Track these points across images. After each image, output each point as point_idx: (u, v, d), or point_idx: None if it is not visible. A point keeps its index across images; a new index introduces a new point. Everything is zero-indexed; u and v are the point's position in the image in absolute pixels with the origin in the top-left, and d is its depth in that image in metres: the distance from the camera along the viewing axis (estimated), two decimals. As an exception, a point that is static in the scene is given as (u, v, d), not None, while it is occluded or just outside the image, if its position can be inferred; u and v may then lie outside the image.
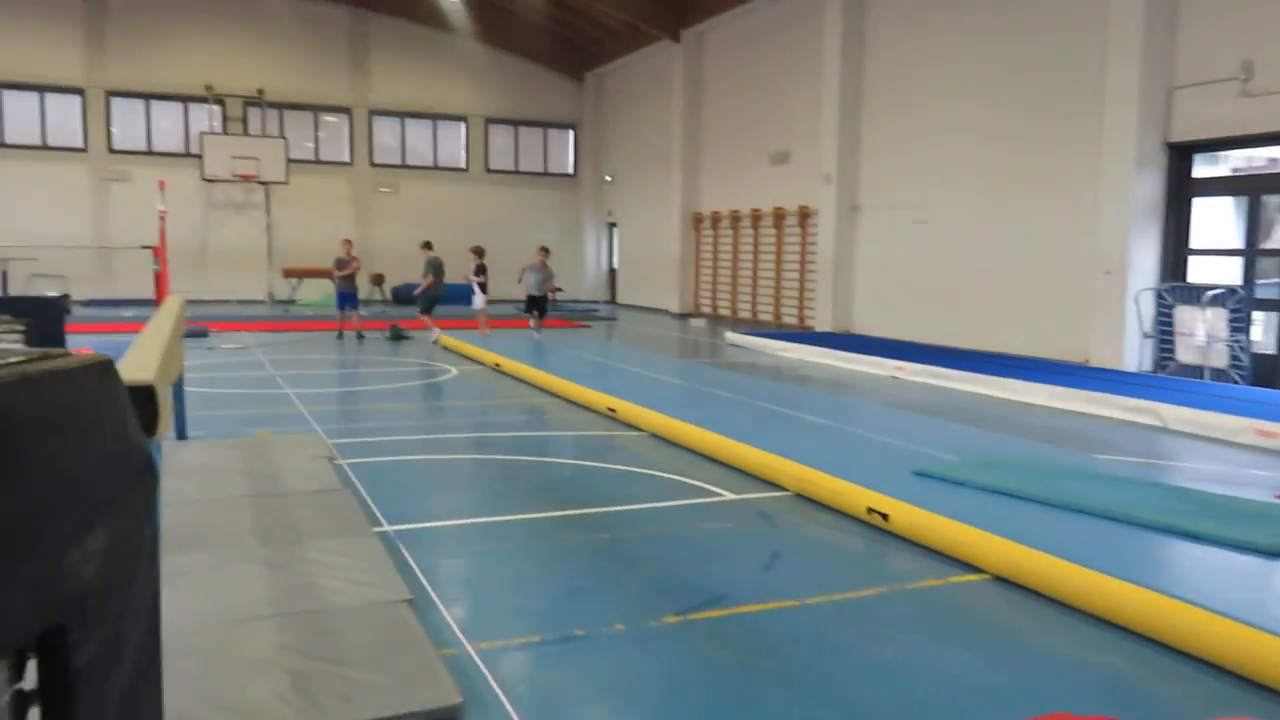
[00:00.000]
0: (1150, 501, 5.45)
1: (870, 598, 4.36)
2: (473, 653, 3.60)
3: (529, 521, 5.46)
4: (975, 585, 4.52)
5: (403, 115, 25.99)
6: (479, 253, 15.79)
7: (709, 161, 22.40)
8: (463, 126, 26.68)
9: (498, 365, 12.07)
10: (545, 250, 15.34)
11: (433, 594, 4.20)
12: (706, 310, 22.52)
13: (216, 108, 23.97)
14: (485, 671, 3.45)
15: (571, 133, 28.03)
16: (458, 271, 16.04)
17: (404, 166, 26.23)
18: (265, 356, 13.01)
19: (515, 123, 27.20)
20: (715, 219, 22.07)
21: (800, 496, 5.99)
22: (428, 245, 16.25)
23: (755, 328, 18.73)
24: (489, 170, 27.03)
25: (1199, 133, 11.59)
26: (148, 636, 1.68)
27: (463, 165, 26.85)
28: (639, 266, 25.70)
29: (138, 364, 3.31)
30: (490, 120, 26.83)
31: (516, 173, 27.42)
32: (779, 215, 19.64)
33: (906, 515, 5.12)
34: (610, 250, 27.82)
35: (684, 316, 22.31)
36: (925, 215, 15.61)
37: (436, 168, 26.60)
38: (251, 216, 24.46)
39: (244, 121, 24.28)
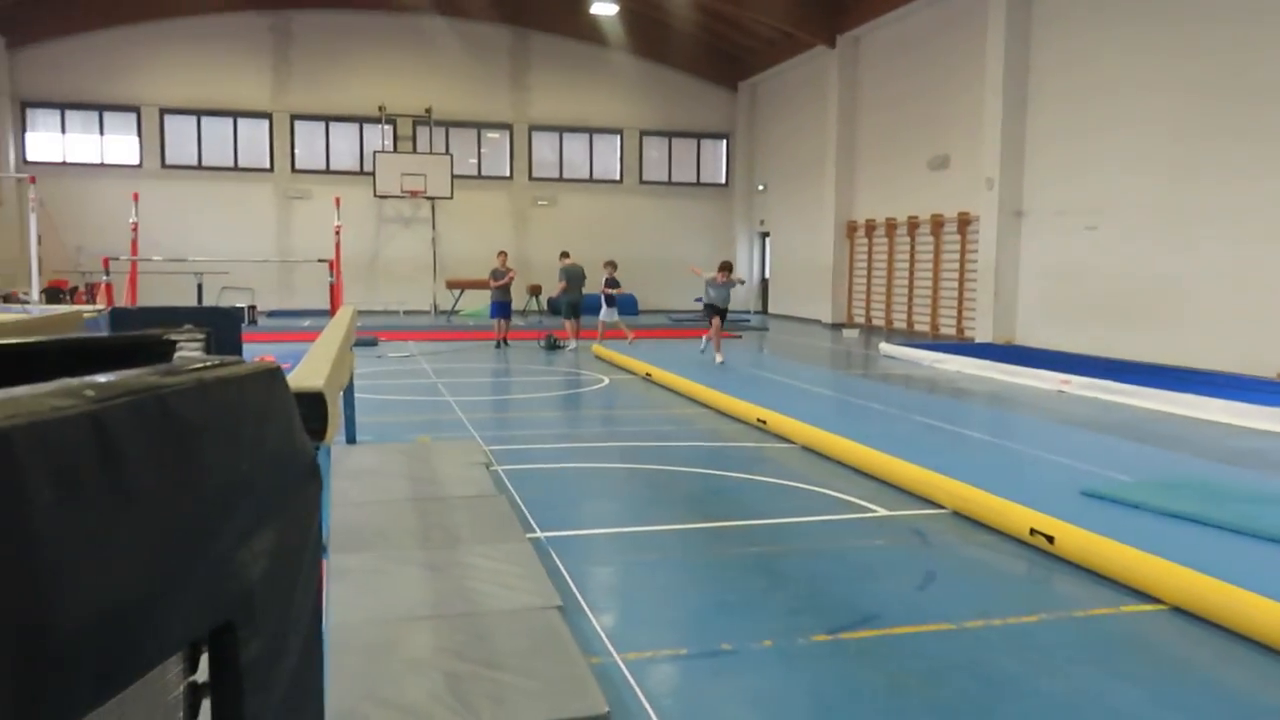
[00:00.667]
0: (1355, 532, 4.97)
1: (1033, 624, 4.14)
2: (620, 662, 3.63)
3: (677, 532, 5.48)
4: (1150, 615, 4.23)
5: (560, 129, 26.66)
6: (612, 266, 16.02)
7: (864, 168, 21.95)
8: (618, 139, 27.13)
9: (649, 375, 12.18)
10: (727, 266, 15.06)
11: (582, 601, 4.26)
12: (860, 321, 22.04)
13: (388, 127, 25.25)
14: (632, 682, 3.47)
15: (724, 142, 28.06)
16: (601, 283, 16.24)
17: (561, 180, 26.89)
18: (428, 365, 13.57)
19: (669, 134, 27.45)
20: (870, 227, 21.60)
21: (957, 515, 5.76)
22: (565, 254, 16.65)
23: (910, 339, 18.19)
24: (643, 181, 27.38)
25: None
26: (310, 634, 1.77)
27: (617, 177, 27.30)
28: (791, 276, 25.42)
29: (310, 371, 3.50)
30: (644, 132, 27.18)
31: (670, 183, 27.66)
32: (937, 222, 19.04)
33: (1074, 538, 4.85)
34: (763, 259, 27.66)
35: (837, 327, 21.91)
36: (1096, 220, 14.79)
37: (592, 180, 27.15)
38: (418, 230, 25.62)
39: (413, 139, 25.48)
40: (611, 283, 16.05)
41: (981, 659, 3.75)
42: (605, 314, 16.08)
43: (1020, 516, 5.25)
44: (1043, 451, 7.43)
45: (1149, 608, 4.30)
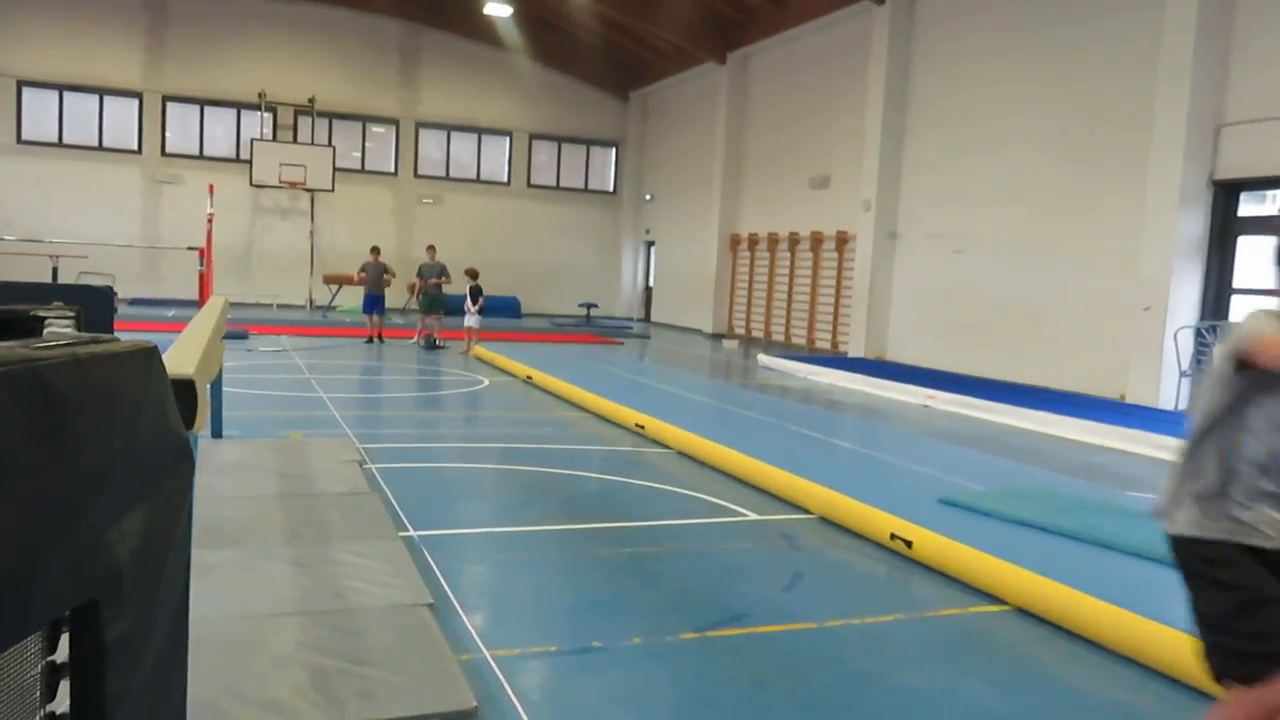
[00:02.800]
0: (1179, 540, 5.38)
1: (890, 623, 4.35)
2: (490, 659, 3.64)
3: (552, 533, 5.51)
4: (997, 616, 4.50)
5: (449, 128, 26.34)
6: (473, 274, 15.94)
7: (749, 183, 22.46)
8: (507, 141, 26.98)
9: (530, 378, 12.17)
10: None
11: (454, 599, 4.25)
12: (740, 332, 22.52)
13: (268, 115, 24.45)
14: (501, 678, 3.49)
15: (614, 150, 28.25)
16: (484, 283, 16.08)
17: (447, 179, 26.56)
18: (302, 360, 13.21)
19: (559, 139, 27.47)
20: (753, 241, 22.10)
21: (824, 520, 5.99)
22: (430, 249, 16.53)
23: (788, 351, 18.70)
24: (531, 185, 27.31)
25: (1246, 170, 11.46)
26: (176, 619, 1.74)
27: (505, 179, 27.14)
28: (675, 285, 25.78)
29: (180, 358, 3.40)
30: (534, 135, 27.12)
31: (558, 188, 27.67)
32: (816, 239, 19.64)
33: (930, 543, 5.10)
34: (647, 268, 27.95)
35: (717, 337, 22.32)
36: (964, 245, 15.54)
37: (479, 181, 26.91)
38: (296, 223, 24.89)
39: (294, 129, 24.74)
40: (475, 290, 15.96)
41: (841, 656, 3.92)
42: (469, 319, 16.00)
43: (882, 522, 5.49)
44: (906, 461, 7.77)
45: (995, 608, 4.56)
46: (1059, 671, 3.96)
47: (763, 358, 16.61)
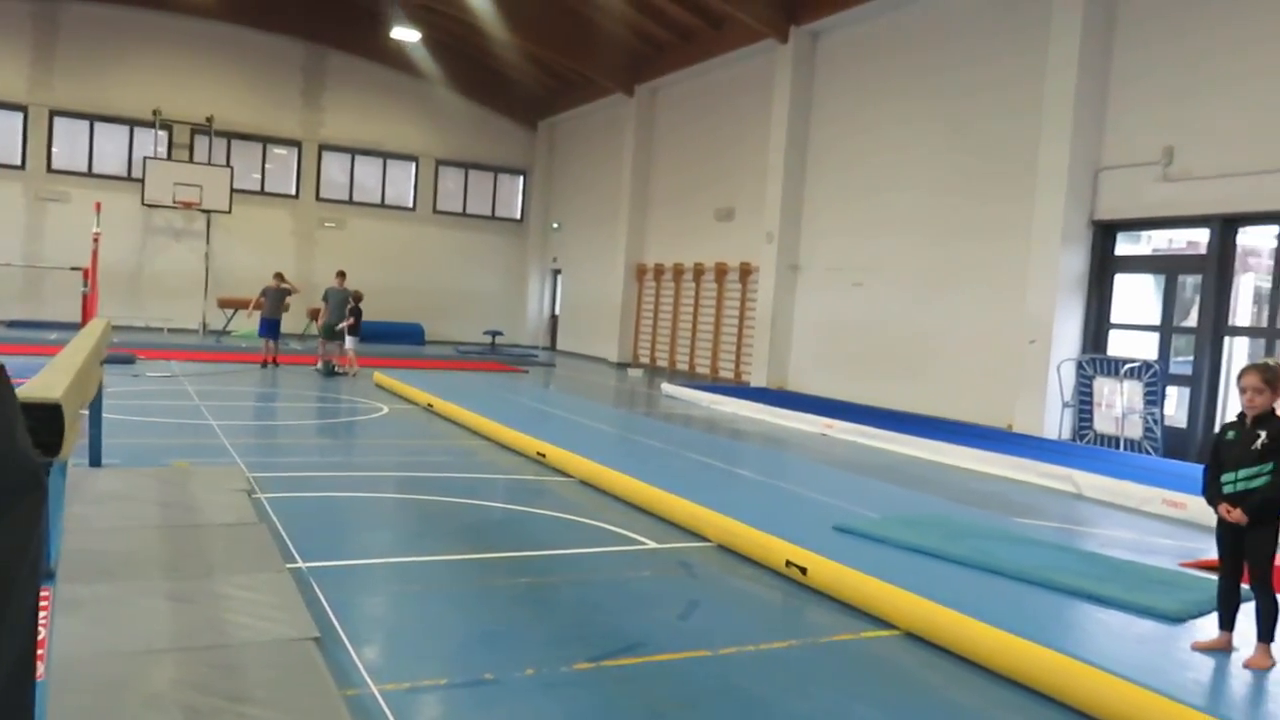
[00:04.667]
0: (1062, 565, 5.58)
1: (784, 650, 4.38)
2: (377, 693, 3.53)
3: (448, 563, 5.40)
4: (887, 641, 4.57)
5: (353, 151, 25.95)
6: (356, 297, 15.77)
7: (655, 214, 22.68)
8: (413, 166, 26.70)
9: (430, 406, 11.98)
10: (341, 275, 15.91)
11: (342, 633, 4.12)
12: (645, 361, 22.63)
13: (163, 133, 23.69)
14: (388, 713, 3.38)
15: (521, 179, 28.22)
16: (388, 309, 15.88)
17: (351, 203, 26.12)
18: (192, 386, 12.74)
19: (466, 165, 27.31)
20: (659, 271, 22.29)
21: (723, 548, 6.02)
22: (340, 275, 16.11)
23: (692, 380, 18.86)
24: (437, 211, 27.04)
25: (1122, 212, 12.08)
26: (20, 661, 1.64)
27: (410, 204, 26.82)
28: (581, 314, 25.79)
29: (47, 382, 3.23)
30: (441, 161, 26.91)
31: (464, 215, 27.47)
32: (721, 271, 19.91)
33: (824, 570, 5.17)
34: (554, 297, 27.91)
35: (622, 366, 22.38)
36: (862, 278, 15.96)
37: (384, 205, 26.54)
38: (191, 244, 24.10)
39: (190, 148, 24.02)
40: (355, 312, 15.74)
41: (736, 683, 3.92)
42: (350, 342, 15.76)
43: (779, 549, 5.55)
44: (804, 489, 7.89)
45: (887, 633, 4.64)
46: (946, 694, 4.04)
47: (667, 387, 16.71)
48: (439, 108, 26.36)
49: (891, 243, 15.38)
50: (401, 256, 26.16)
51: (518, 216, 28.33)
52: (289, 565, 4.95)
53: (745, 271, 19.05)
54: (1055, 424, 12.32)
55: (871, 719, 3.70)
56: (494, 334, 24.96)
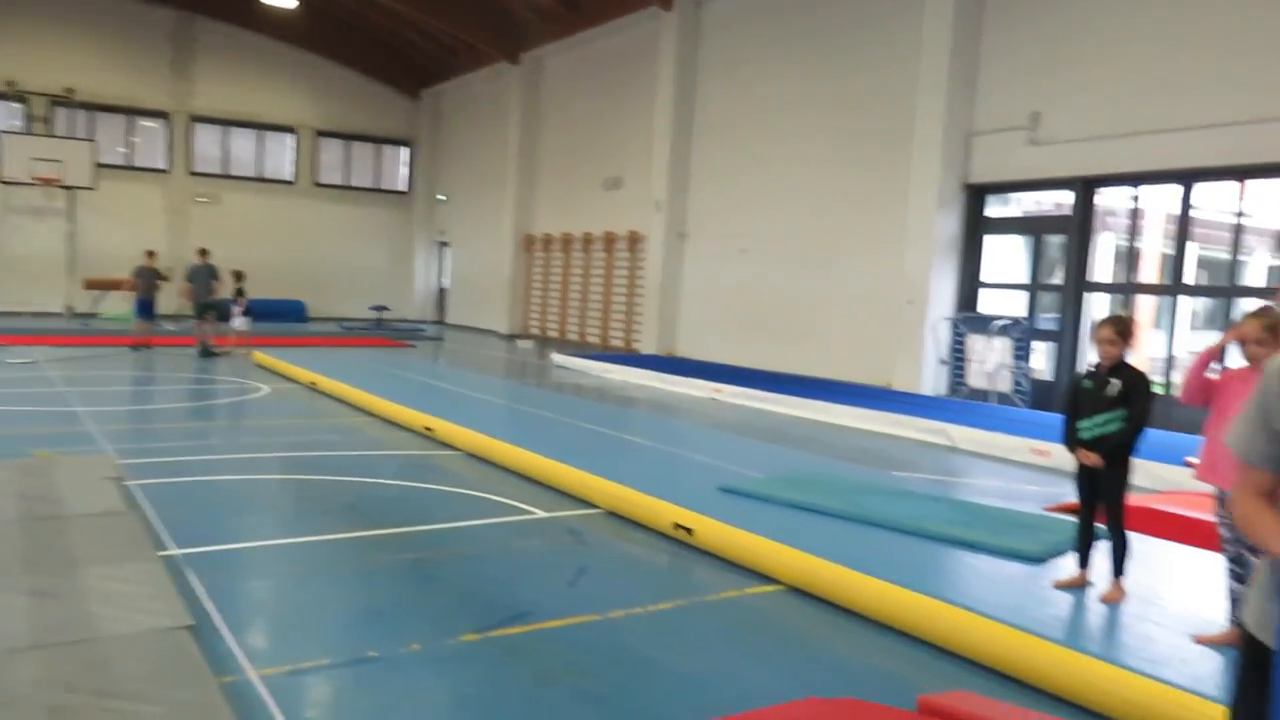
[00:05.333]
0: (935, 514, 5.82)
1: (671, 610, 4.45)
2: (256, 679, 3.45)
3: (332, 542, 5.30)
4: (772, 596, 4.69)
5: (227, 123, 24.89)
6: (238, 276, 15.34)
7: (543, 184, 22.49)
8: (291, 138, 25.77)
9: (314, 384, 11.67)
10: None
11: (218, 620, 4.00)
12: (535, 332, 22.52)
13: (19, 105, 22.26)
14: (268, 698, 3.31)
15: (406, 150, 27.56)
16: (268, 286, 15.38)
17: (226, 176, 25.08)
18: (56, 372, 12.10)
19: (347, 136, 26.51)
20: (547, 241, 22.15)
21: (612, 514, 6.06)
22: (203, 252, 15.43)
23: (582, 350, 18.86)
24: (318, 184, 26.21)
25: (992, 176, 12.55)
26: None
27: (290, 178, 25.91)
28: (469, 287, 25.46)
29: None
30: (320, 133, 26.05)
31: (347, 188, 26.70)
32: (610, 240, 19.91)
33: (710, 530, 5.27)
34: (440, 270, 27.45)
35: (512, 338, 22.23)
36: (748, 245, 16.19)
37: (261, 179, 25.57)
38: (52, 223, 22.77)
39: (49, 121, 22.63)
40: (239, 292, 15.30)
41: (624, 645, 3.97)
42: (241, 322, 15.29)
43: (666, 512, 5.62)
44: (692, 453, 8.00)
45: (771, 589, 4.76)
46: (828, 644, 4.18)
47: (557, 357, 16.67)
48: (317, 77, 25.48)
49: (776, 210, 15.62)
50: (281, 232, 25.30)
51: (403, 189, 27.70)
52: (162, 553, 4.77)
53: (634, 240, 19.09)
54: (931, 381, 12.79)
55: (756, 672, 3.80)
56: (380, 309, 24.44)
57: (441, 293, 27.38)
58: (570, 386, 13.42)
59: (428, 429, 8.62)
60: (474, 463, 7.62)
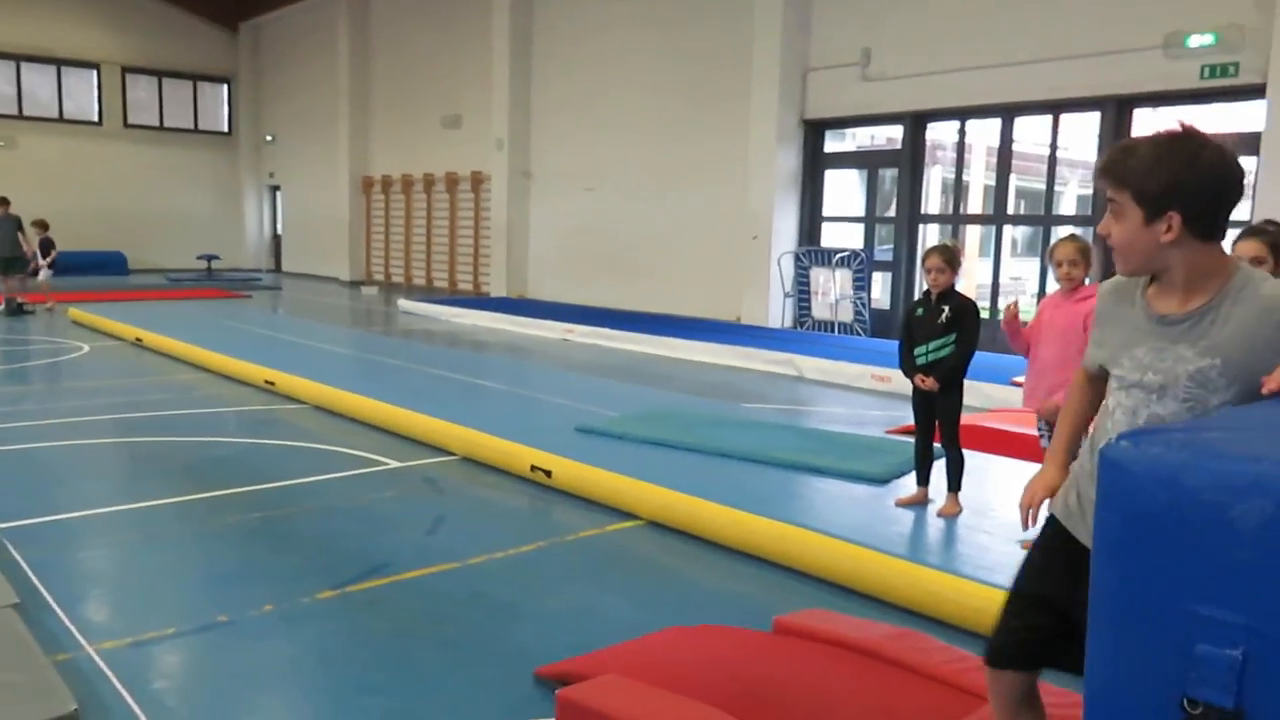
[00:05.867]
0: (784, 443, 6.01)
1: (533, 552, 4.45)
2: (94, 654, 3.25)
3: (171, 506, 5.02)
4: (632, 532, 4.76)
5: (18, 58, 22.69)
6: (43, 225, 14.30)
7: (378, 123, 21.63)
8: (94, 74, 23.77)
9: (139, 340, 10.97)
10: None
11: (47, 595, 3.74)
12: (379, 278, 21.85)
13: None
14: (108, 672, 3.12)
15: (226, 87, 25.90)
16: (80, 237, 14.23)
17: (21, 118, 22.95)
18: None
19: (159, 73, 24.66)
20: (386, 183, 21.40)
21: (468, 460, 5.99)
22: (4, 201, 14.10)
23: (430, 295, 18.44)
24: (128, 125, 24.35)
25: (828, 111, 12.85)
26: None
27: (95, 118, 23.96)
28: (306, 232, 24.38)
29: None
30: (129, 69, 24.13)
31: (162, 129, 24.92)
32: (452, 180, 19.41)
33: (568, 470, 5.28)
34: (274, 215, 26.16)
35: (355, 284, 21.50)
36: (594, 183, 16.10)
37: (63, 120, 23.54)
38: None
39: None
40: (47, 243, 14.25)
41: (486, 591, 3.95)
42: (44, 275, 14.26)
43: (523, 455, 5.59)
44: (547, 395, 7.98)
45: (630, 524, 4.83)
46: (688, 574, 4.27)
47: (404, 303, 16.24)
48: (120, 7, 23.50)
49: (621, 148, 15.56)
50: (91, 177, 23.45)
51: (225, 129, 26.07)
52: (-24, 529, 4.41)
53: (477, 180, 18.68)
54: (778, 314, 13.16)
55: (619, 607, 3.85)
56: (209, 258, 23.13)
57: (276, 239, 26.12)
58: (419, 333, 13.12)
59: (269, 382, 8.26)
60: (321, 415, 7.36)
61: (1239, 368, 1.75)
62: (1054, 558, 2.04)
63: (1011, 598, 2.15)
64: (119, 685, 3.04)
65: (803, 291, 13.06)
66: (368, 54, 21.59)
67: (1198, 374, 1.79)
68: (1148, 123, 10.23)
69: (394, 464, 5.96)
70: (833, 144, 13.44)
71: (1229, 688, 1.22)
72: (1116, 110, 10.15)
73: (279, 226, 26.03)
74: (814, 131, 13.18)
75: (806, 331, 12.75)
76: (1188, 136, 1.78)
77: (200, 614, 3.63)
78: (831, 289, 12.64)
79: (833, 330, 12.58)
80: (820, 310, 12.86)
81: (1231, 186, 1.79)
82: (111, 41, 23.68)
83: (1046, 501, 2.14)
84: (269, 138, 25.45)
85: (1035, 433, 4.81)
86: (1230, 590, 1.22)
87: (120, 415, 7.36)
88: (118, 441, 6.56)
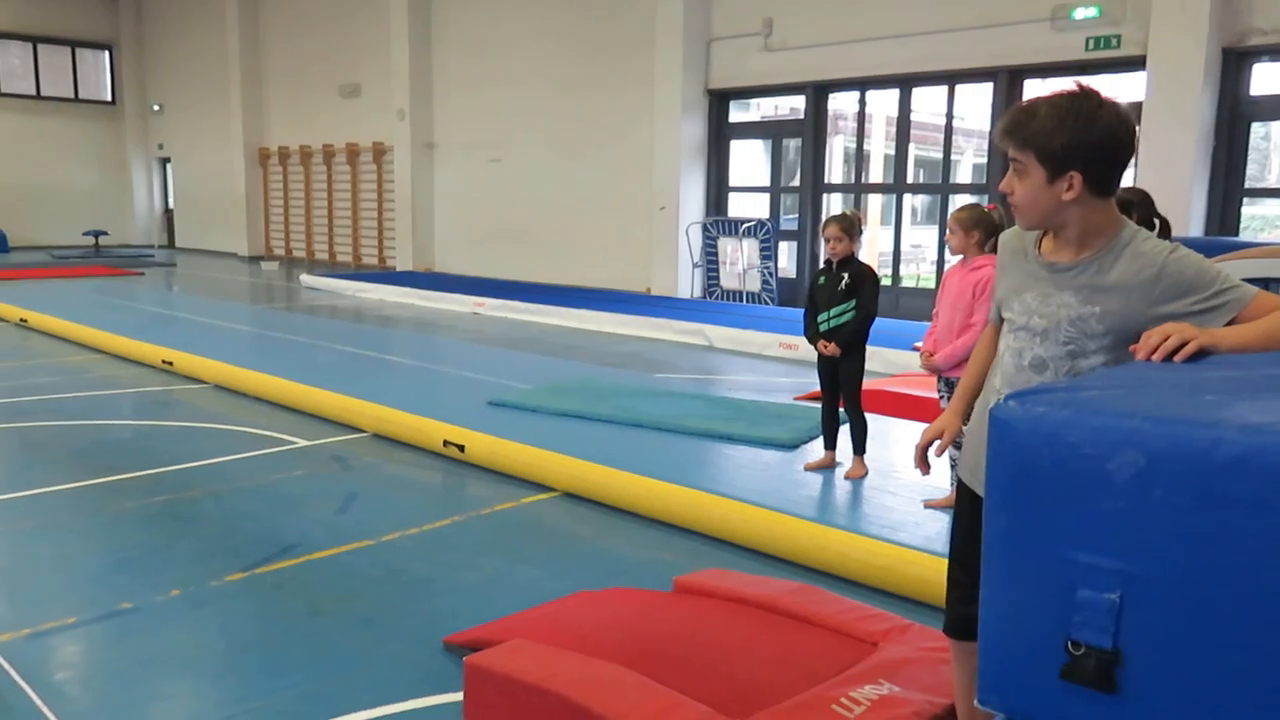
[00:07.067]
0: (695, 411, 6.11)
1: (447, 527, 4.44)
2: (-11, 648, 3.14)
3: (65, 493, 4.84)
4: (546, 504, 4.78)
5: (-127, 22, 21.24)
6: None
7: (273, 92, 20.91)
8: (-41, 40, 22.40)
9: (24, 321, 10.48)
10: None
11: (-65, 589, 3.59)
12: (280, 252, 21.24)
13: None
14: (6, 665, 3.02)
15: (107, 54, 24.67)
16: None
17: (-120, 85, 21.52)
18: None
19: (32, 39, 23.32)
20: (284, 154, 20.75)
21: (379, 437, 5.92)
22: None
23: (333, 269, 18.02)
24: (2, 94, 23.01)
25: (732, 81, 12.93)
26: None
27: (-38, 87, 22.60)
28: (200, 206, 23.50)
29: None
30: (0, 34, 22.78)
31: (39, 98, 23.61)
32: (353, 152, 18.94)
33: (481, 444, 5.27)
34: (165, 188, 25.13)
35: (255, 259, 20.86)
36: (500, 154, 15.90)
37: (-73, 89, 22.15)
38: None
39: None
40: None
41: (399, 568, 3.93)
42: None
43: (435, 430, 5.55)
44: (457, 369, 7.92)
45: (545, 496, 4.85)
46: (602, 544, 4.32)
47: (306, 278, 15.83)
48: (-13, -33, 22.15)
49: (525, 118, 15.39)
50: (-38, 149, 22.16)
51: (108, 98, 24.86)
52: None
53: (379, 151, 18.26)
54: (688, 284, 13.26)
55: (535, 577, 3.87)
56: (97, 234, 22.12)
57: (168, 214, 25.11)
58: (324, 308, 12.82)
59: (167, 362, 7.99)
60: (223, 395, 7.16)
61: (1116, 316, 1.88)
62: (969, 520, 2.11)
63: (949, 565, 2.23)
64: (18, 678, 2.95)
65: (711, 261, 13.18)
66: (258, 20, 20.81)
67: (1078, 320, 1.92)
68: (1037, 93, 10.59)
69: (302, 443, 5.85)
70: (737, 114, 13.54)
71: (1107, 629, 1.31)
72: (1008, 81, 10.47)
73: (170, 200, 25.03)
74: (719, 101, 13.25)
75: (715, 301, 12.88)
76: (1085, 96, 1.86)
77: (102, 602, 3.53)
78: (739, 259, 12.80)
79: (741, 299, 12.75)
80: (728, 280, 13.01)
81: (1127, 145, 1.88)
82: (-21, 5, 22.33)
83: (945, 452, 2.21)
84: (156, 107, 24.38)
85: (936, 395, 4.99)
86: (1107, 538, 1.30)
87: (6, 400, 7.04)
88: (4, 427, 6.28)
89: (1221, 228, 9.30)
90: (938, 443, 2.21)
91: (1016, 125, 1.91)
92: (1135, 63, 9.47)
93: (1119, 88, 10.04)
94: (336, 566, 3.92)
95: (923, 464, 2.24)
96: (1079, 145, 1.84)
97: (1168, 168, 8.96)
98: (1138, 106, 9.25)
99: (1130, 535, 1.28)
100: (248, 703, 2.85)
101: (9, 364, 8.63)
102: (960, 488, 2.19)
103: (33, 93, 23.52)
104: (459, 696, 2.81)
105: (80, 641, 3.27)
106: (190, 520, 4.48)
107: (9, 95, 23.11)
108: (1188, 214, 8.98)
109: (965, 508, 2.16)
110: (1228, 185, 9.34)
